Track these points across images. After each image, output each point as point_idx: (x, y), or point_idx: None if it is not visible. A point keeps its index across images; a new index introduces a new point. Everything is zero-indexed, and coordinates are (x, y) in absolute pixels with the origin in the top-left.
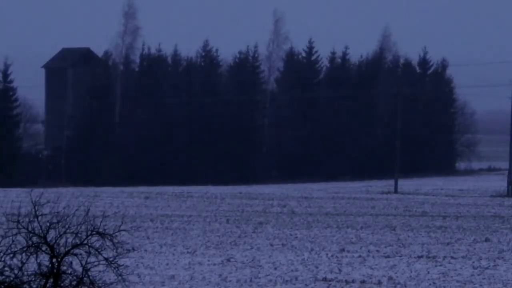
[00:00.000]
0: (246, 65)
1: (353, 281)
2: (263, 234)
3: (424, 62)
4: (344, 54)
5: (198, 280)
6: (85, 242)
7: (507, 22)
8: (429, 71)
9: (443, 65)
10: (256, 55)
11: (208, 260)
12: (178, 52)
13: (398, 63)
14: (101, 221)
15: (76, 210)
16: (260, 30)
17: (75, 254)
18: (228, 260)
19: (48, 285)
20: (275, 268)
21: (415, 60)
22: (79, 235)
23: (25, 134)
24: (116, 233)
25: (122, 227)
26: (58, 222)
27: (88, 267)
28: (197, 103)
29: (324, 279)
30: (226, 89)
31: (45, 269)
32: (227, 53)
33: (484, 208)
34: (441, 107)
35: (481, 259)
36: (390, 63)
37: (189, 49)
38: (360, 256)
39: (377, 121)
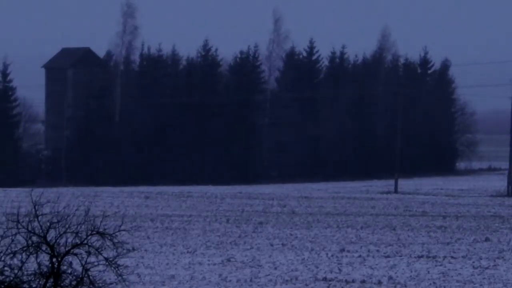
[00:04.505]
0: (246, 65)
1: (353, 281)
2: (263, 234)
3: (424, 61)
4: (343, 53)
5: (198, 280)
6: (85, 242)
7: (508, 22)
8: (430, 71)
9: (446, 65)
10: (257, 55)
11: (208, 260)
12: (178, 51)
13: (397, 63)
14: (101, 221)
15: (76, 210)
16: (260, 29)
17: (75, 254)
18: (228, 260)
19: (48, 285)
20: (275, 268)
21: (416, 60)
22: (79, 235)
23: (25, 134)
24: (116, 233)
25: (122, 227)
26: (58, 222)
27: (88, 267)
28: (197, 103)
29: (324, 279)
30: (226, 89)
31: (45, 269)
32: (227, 53)
33: (484, 208)
34: (441, 107)
35: (481, 259)
36: (389, 62)
37: (189, 49)
38: (360, 256)
39: (378, 121)
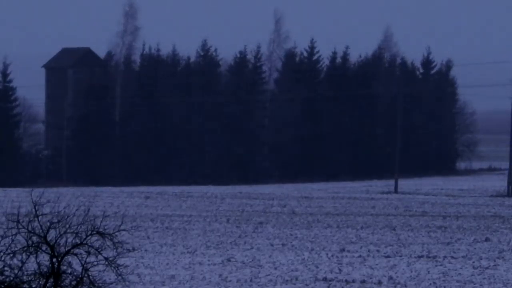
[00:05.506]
0: (247, 65)
1: (353, 281)
2: (263, 234)
3: (427, 62)
4: (345, 54)
5: (198, 280)
6: (85, 242)
7: (508, 22)
8: (432, 71)
9: (448, 65)
10: (259, 56)
11: (208, 260)
12: (178, 52)
13: (395, 63)
14: (101, 221)
15: (76, 210)
16: (260, 30)
17: (75, 254)
18: (228, 260)
19: (48, 285)
20: (275, 268)
21: (418, 60)
22: (79, 235)
23: (25, 134)
24: (116, 233)
25: (122, 227)
26: (58, 222)
27: (88, 267)
28: (197, 103)
29: (324, 279)
30: (226, 89)
31: (45, 269)
32: (227, 53)
33: (484, 208)
34: (442, 107)
35: (481, 259)
36: (388, 63)
37: (189, 49)
38: (360, 256)
39: (377, 121)
